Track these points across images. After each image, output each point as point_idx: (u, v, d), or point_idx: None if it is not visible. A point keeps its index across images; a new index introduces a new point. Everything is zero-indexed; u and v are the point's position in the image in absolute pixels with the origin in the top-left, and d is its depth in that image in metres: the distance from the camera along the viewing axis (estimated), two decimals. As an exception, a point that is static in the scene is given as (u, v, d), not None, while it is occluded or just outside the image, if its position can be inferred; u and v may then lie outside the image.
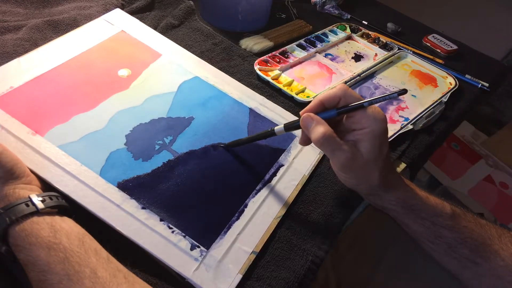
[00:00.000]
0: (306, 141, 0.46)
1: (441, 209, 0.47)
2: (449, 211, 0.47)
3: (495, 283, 0.45)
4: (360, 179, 0.45)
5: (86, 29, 0.60)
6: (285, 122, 0.47)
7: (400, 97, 0.70)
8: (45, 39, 0.61)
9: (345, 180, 0.46)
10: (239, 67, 0.68)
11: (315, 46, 0.76)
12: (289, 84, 0.67)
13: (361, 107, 0.41)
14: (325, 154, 0.43)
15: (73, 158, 0.45)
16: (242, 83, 0.62)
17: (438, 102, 0.70)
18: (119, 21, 0.63)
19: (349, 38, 0.82)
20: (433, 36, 0.88)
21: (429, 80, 0.76)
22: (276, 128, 0.48)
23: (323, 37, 0.80)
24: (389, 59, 0.77)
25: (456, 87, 0.73)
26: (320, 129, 0.41)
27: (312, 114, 0.43)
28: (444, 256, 0.47)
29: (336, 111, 0.42)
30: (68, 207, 0.40)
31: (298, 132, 0.57)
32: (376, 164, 0.43)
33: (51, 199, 0.38)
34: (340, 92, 0.42)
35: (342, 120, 0.45)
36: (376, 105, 0.42)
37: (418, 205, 0.46)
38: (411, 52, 0.81)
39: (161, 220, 0.43)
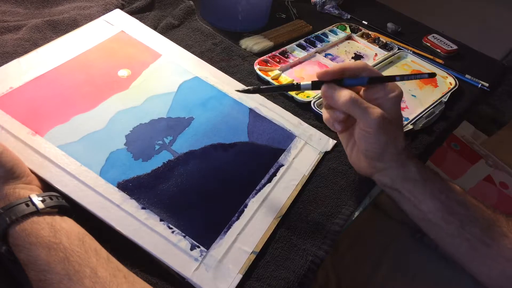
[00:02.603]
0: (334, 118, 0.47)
1: (452, 185, 0.48)
2: (460, 189, 0.48)
3: (503, 266, 0.45)
4: (389, 138, 0.45)
5: (86, 29, 0.60)
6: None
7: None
8: (45, 39, 0.61)
9: (374, 143, 0.46)
10: (239, 67, 0.68)
11: (315, 46, 0.76)
12: (289, 84, 0.67)
13: (393, 79, 0.45)
14: (356, 116, 0.45)
15: (73, 158, 0.45)
16: (242, 83, 0.62)
17: (438, 102, 0.70)
18: (119, 21, 0.63)
19: (349, 38, 0.82)
20: (433, 36, 0.88)
21: (429, 80, 0.76)
22: (302, 83, 0.47)
23: (323, 37, 0.80)
24: (389, 59, 0.77)
25: (456, 87, 0.73)
26: (345, 92, 0.44)
27: (332, 84, 0.45)
28: (456, 237, 0.46)
29: (367, 80, 0.45)
30: (68, 207, 0.40)
31: (298, 132, 0.57)
32: (400, 124, 0.47)
33: (51, 199, 0.38)
34: (362, 65, 0.46)
35: (358, 93, 0.47)
36: None
37: (433, 177, 0.48)
38: (411, 52, 0.81)
39: (161, 220, 0.43)
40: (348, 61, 0.47)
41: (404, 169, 0.47)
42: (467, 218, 0.46)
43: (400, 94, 0.45)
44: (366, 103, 0.44)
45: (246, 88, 0.47)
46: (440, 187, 0.47)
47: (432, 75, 0.47)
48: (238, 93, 0.60)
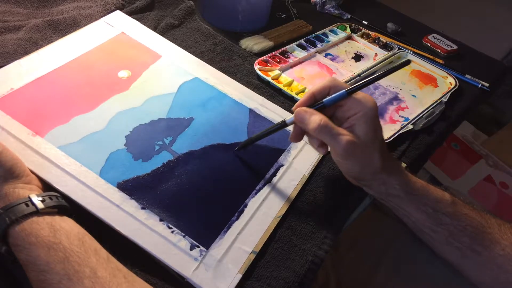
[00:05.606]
0: (297, 135, 0.47)
1: (441, 196, 0.47)
2: (449, 198, 0.47)
3: (495, 273, 0.45)
4: (362, 162, 0.45)
5: (87, 31, 0.61)
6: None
7: (400, 97, 0.70)
8: (45, 39, 0.61)
9: (348, 168, 0.47)
10: (239, 67, 0.68)
11: (315, 46, 0.76)
12: (289, 84, 0.67)
13: (371, 82, 0.44)
14: (326, 142, 0.45)
15: (73, 159, 0.45)
16: (242, 83, 0.62)
17: (438, 102, 0.70)
18: (119, 23, 0.64)
19: (349, 38, 0.82)
20: (433, 36, 0.88)
21: (429, 80, 0.76)
22: (287, 119, 0.48)
23: (323, 37, 0.80)
24: (389, 59, 0.77)
25: (456, 87, 0.73)
26: (316, 117, 0.43)
27: (304, 108, 0.45)
28: (445, 245, 0.47)
29: (346, 91, 0.44)
30: (68, 207, 0.40)
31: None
32: (374, 145, 0.45)
33: (51, 199, 0.38)
34: (329, 83, 0.45)
35: (334, 114, 0.47)
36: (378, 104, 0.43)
37: (420, 190, 0.47)
38: (411, 52, 0.81)
39: (160, 220, 0.43)
40: (317, 84, 0.47)
41: (386, 186, 0.47)
42: (456, 228, 0.46)
43: (369, 111, 0.44)
44: (336, 128, 0.43)
45: (240, 145, 0.52)
46: (426, 200, 0.47)
47: (407, 63, 0.45)
48: (238, 93, 0.60)
